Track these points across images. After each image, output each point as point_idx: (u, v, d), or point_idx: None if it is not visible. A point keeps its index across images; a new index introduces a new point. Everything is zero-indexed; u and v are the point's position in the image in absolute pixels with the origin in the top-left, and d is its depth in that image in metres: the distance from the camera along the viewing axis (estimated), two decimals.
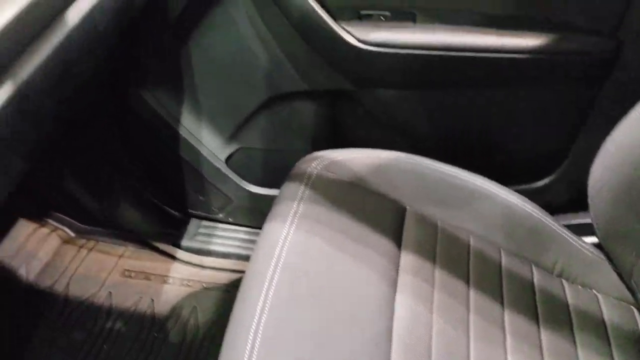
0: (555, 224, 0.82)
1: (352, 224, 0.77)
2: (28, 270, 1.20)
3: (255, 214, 1.28)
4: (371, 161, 0.86)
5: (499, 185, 0.85)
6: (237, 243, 1.29)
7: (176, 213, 1.32)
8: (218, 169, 1.19)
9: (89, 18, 0.68)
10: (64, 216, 1.30)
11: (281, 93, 1.03)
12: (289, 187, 0.82)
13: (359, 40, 0.90)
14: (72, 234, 1.29)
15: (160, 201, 1.31)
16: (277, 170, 1.15)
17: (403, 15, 0.91)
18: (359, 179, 0.83)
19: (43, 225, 1.29)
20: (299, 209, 0.77)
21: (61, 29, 0.63)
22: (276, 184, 1.14)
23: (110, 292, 1.19)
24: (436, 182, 0.85)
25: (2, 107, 0.55)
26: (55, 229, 1.29)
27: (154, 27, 0.96)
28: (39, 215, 1.29)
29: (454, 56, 0.90)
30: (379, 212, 0.80)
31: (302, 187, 0.81)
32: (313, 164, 0.85)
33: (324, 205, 0.78)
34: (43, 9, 0.61)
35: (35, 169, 1.15)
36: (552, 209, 0.87)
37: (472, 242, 0.79)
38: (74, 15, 0.65)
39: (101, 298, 1.18)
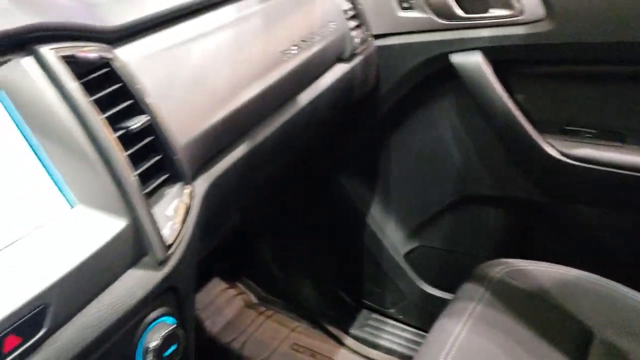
0: None
1: (530, 337, 0.73)
2: (213, 324, 1.32)
3: (426, 316, 1.26)
4: (560, 277, 0.82)
5: None
6: (403, 342, 1.28)
7: (350, 300, 1.36)
8: (397, 263, 1.21)
9: (312, 104, 0.80)
10: (251, 282, 1.42)
11: (471, 195, 1.05)
12: (468, 287, 0.82)
13: (563, 154, 0.90)
14: (255, 300, 1.40)
15: (336, 285, 1.36)
16: (454, 274, 1.14)
17: (611, 135, 0.89)
18: (544, 292, 0.80)
19: (232, 287, 1.42)
20: (475, 309, 0.76)
21: (290, 109, 0.76)
22: (452, 289, 1.12)
23: None
24: (630, 311, 0.78)
25: (238, 159, 0.66)
26: (242, 292, 1.42)
27: (364, 119, 1.06)
28: (231, 278, 1.43)
29: None
30: (562, 332, 0.75)
31: (481, 289, 0.80)
32: (497, 269, 0.84)
33: (503, 312, 0.76)
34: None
35: (236, 236, 1.30)
36: None
37: None
38: (302, 99, 0.78)
39: None
